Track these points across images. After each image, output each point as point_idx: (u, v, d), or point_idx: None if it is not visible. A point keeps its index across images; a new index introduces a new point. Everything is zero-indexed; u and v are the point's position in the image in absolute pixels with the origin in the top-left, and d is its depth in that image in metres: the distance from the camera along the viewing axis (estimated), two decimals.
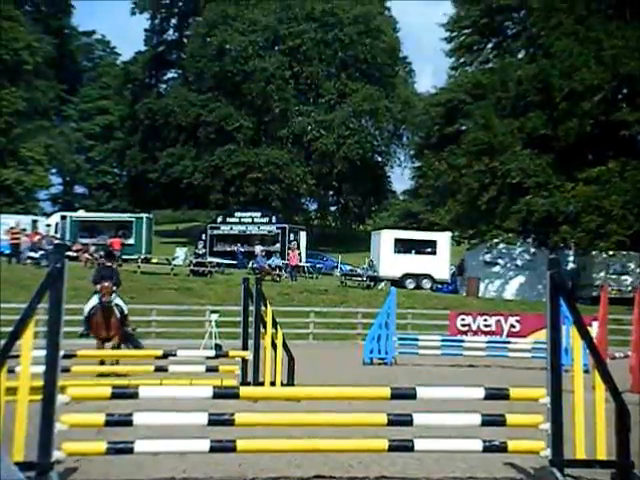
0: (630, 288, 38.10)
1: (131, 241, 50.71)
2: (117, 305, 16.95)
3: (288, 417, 7.55)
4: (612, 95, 43.50)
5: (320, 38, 70.58)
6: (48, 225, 52.91)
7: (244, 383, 13.85)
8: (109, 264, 18.17)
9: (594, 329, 15.62)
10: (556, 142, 44.20)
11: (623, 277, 42.76)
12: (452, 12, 56.18)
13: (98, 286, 16.78)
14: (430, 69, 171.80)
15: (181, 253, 49.33)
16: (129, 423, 7.11)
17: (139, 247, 49.99)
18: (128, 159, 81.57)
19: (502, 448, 7.38)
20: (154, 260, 48.12)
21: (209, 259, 46.75)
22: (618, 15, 45.64)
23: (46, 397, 6.69)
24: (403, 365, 20.32)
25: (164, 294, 35.15)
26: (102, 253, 21.37)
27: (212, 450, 7.11)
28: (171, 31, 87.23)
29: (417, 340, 21.97)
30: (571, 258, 44.54)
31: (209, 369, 13.34)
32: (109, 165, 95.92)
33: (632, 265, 43.11)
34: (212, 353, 15.08)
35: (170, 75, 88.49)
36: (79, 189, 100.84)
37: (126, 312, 17.54)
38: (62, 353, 7.05)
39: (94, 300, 16.99)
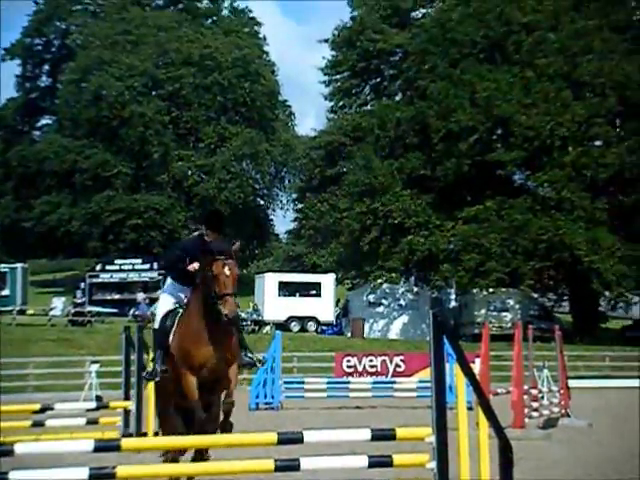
0: (510, 324, 38.86)
1: (6, 292, 49.08)
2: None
3: (173, 467, 7.33)
4: (487, 136, 44.79)
5: (199, 82, 70.54)
6: None
7: (126, 435, 13.46)
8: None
9: (477, 366, 15.82)
10: (435, 182, 45.17)
11: (503, 314, 43.63)
12: (331, 56, 57.07)
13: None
14: (313, 111, 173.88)
15: (59, 303, 47.98)
16: None
17: (14, 298, 48.40)
18: (0, 208, 79.19)
19: None
20: (30, 311, 46.67)
21: (88, 308, 45.72)
22: (489, 59, 47.28)
23: None
24: (290, 409, 20.17)
25: (41, 346, 33.97)
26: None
27: None
28: (44, 77, 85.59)
29: (303, 383, 21.91)
30: (453, 296, 45.38)
31: (90, 422, 12.89)
32: None
33: (511, 302, 44.11)
34: (93, 405, 14.59)
35: (44, 122, 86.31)
36: None
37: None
38: None
39: (167, 301, 9.15)
